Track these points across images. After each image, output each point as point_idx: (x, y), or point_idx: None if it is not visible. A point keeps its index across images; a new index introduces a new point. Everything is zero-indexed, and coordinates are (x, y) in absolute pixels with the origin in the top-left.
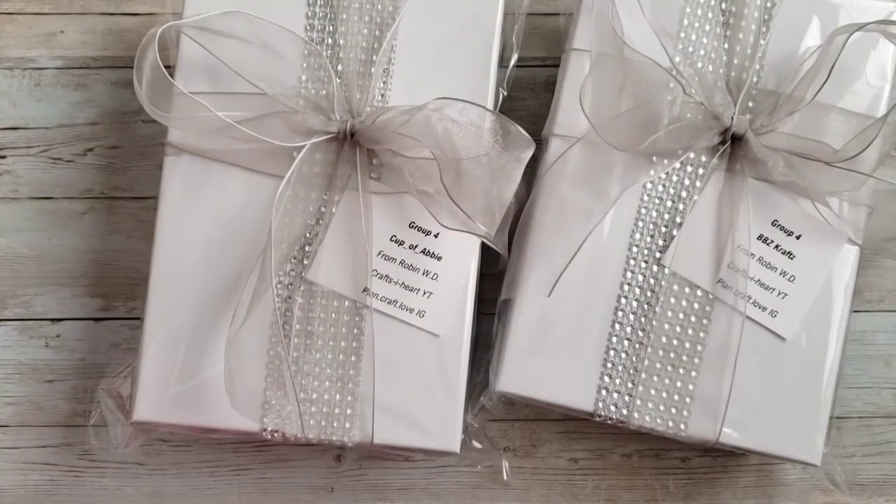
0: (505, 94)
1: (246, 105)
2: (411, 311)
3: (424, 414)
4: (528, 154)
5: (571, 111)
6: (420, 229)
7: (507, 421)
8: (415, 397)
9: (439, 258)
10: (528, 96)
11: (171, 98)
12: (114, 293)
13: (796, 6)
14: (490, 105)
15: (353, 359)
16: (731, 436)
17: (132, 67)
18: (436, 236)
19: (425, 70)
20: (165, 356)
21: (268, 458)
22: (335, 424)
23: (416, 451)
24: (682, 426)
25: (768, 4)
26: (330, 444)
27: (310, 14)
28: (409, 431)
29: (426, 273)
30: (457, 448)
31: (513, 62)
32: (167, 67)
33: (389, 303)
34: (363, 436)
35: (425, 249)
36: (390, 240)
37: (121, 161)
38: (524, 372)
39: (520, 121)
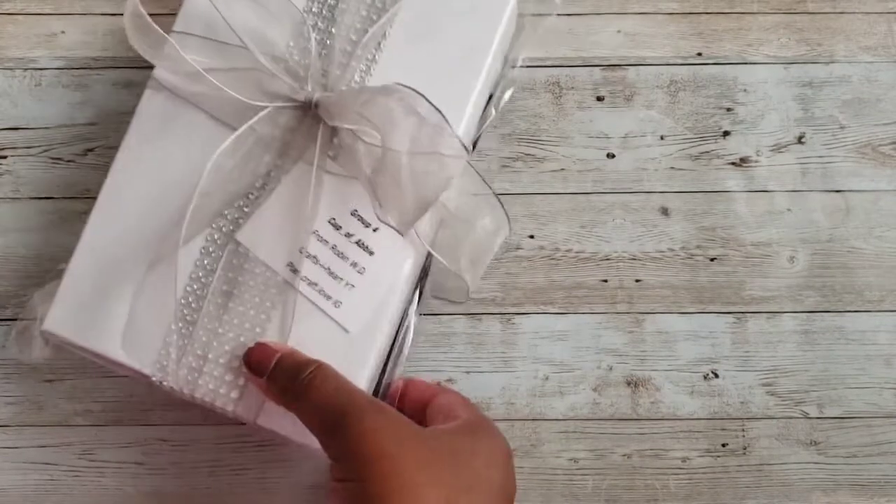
0: (494, 114)
1: (233, 57)
2: (328, 298)
3: None
4: (459, 163)
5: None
6: (361, 219)
7: (506, 420)
8: None
9: (371, 253)
10: (527, 96)
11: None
12: None
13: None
14: (466, 117)
15: (258, 330)
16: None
17: (133, 68)
18: (374, 230)
19: (412, 64)
20: (91, 277)
21: (268, 457)
22: (222, 391)
23: (296, 445)
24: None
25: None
26: (212, 409)
27: None
28: (293, 424)
29: (354, 265)
30: None
31: (508, 95)
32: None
33: (309, 284)
34: (248, 412)
35: (360, 241)
36: (328, 222)
37: None
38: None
39: (519, 121)
